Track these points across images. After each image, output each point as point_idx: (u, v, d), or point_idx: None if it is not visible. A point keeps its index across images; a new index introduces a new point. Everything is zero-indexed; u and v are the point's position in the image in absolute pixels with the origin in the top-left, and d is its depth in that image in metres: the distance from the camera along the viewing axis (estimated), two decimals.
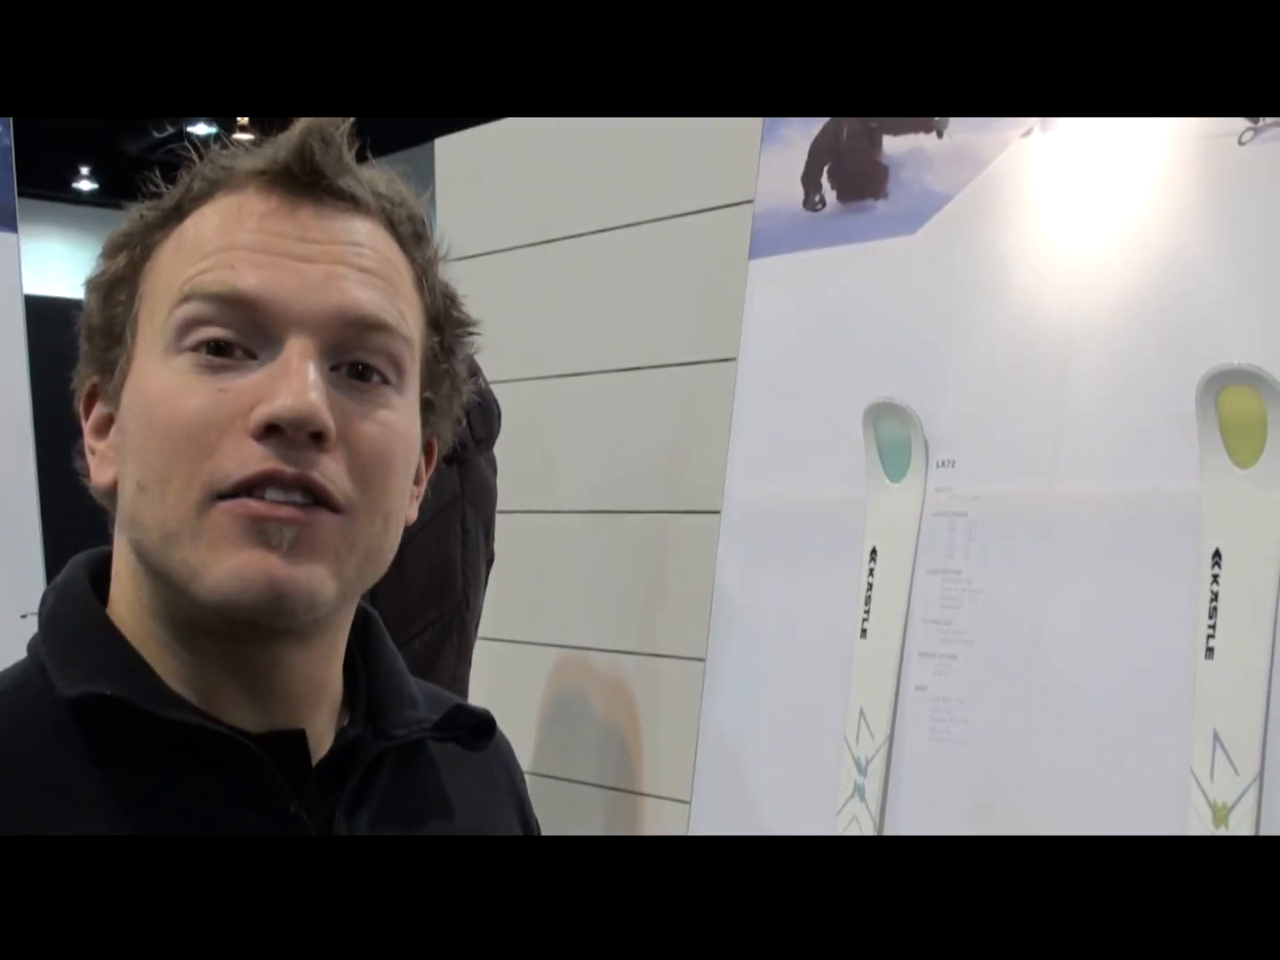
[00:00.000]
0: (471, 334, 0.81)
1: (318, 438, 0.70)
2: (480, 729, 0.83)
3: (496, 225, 2.09)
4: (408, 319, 0.76)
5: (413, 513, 0.79)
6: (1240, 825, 1.18)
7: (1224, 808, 1.20)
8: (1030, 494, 1.40)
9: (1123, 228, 1.38)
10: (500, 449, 1.77)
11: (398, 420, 0.74)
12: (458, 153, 2.19)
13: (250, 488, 0.70)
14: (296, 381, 0.70)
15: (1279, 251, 1.27)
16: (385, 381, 0.74)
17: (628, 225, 1.94)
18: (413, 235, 0.78)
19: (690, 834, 1.63)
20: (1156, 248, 1.35)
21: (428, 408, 0.79)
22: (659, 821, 1.74)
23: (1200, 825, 1.20)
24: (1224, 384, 1.26)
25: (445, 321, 0.79)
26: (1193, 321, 1.32)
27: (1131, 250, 1.37)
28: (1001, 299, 1.46)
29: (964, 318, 1.49)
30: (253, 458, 0.70)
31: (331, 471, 0.71)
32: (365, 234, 0.75)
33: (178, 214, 0.75)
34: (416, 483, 0.80)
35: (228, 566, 0.70)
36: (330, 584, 0.71)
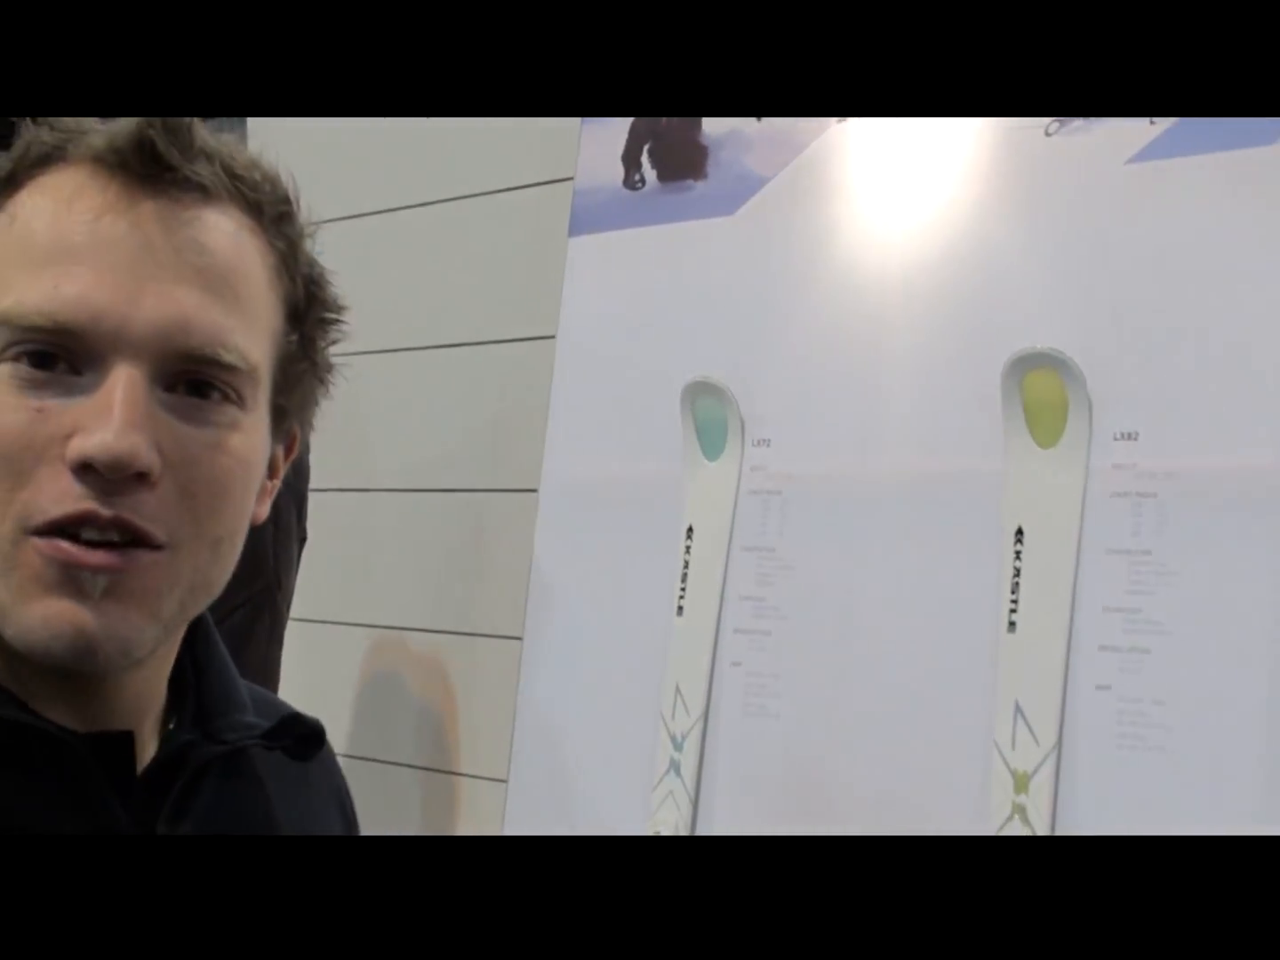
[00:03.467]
0: (338, 319, 0.77)
1: (140, 476, 0.66)
2: (310, 739, 0.80)
3: (310, 198, 2.05)
4: (254, 330, 0.71)
5: (264, 510, 0.76)
6: (1039, 793, 1.23)
7: (1024, 775, 1.24)
8: (843, 473, 1.43)
9: (933, 213, 1.42)
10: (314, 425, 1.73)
11: (239, 443, 0.70)
12: (273, 121, 2.14)
13: (64, 527, 0.66)
14: (118, 417, 0.66)
15: (1083, 239, 1.32)
16: (227, 399, 0.70)
17: (445, 200, 1.91)
18: (275, 218, 0.74)
19: (507, 812, 1.63)
20: (966, 233, 1.39)
21: (280, 413, 0.75)
22: (475, 801, 1.73)
23: (1002, 793, 1.25)
24: (1028, 368, 1.30)
25: (308, 308, 0.75)
26: (999, 306, 1.35)
27: (942, 235, 1.41)
28: (817, 281, 1.48)
29: (780, 299, 1.51)
30: (69, 495, 0.66)
31: (151, 509, 0.67)
32: (213, 229, 0.70)
33: (13, 183, 0.70)
34: (272, 477, 0.77)
35: (37, 614, 0.66)
36: (146, 629, 0.69)
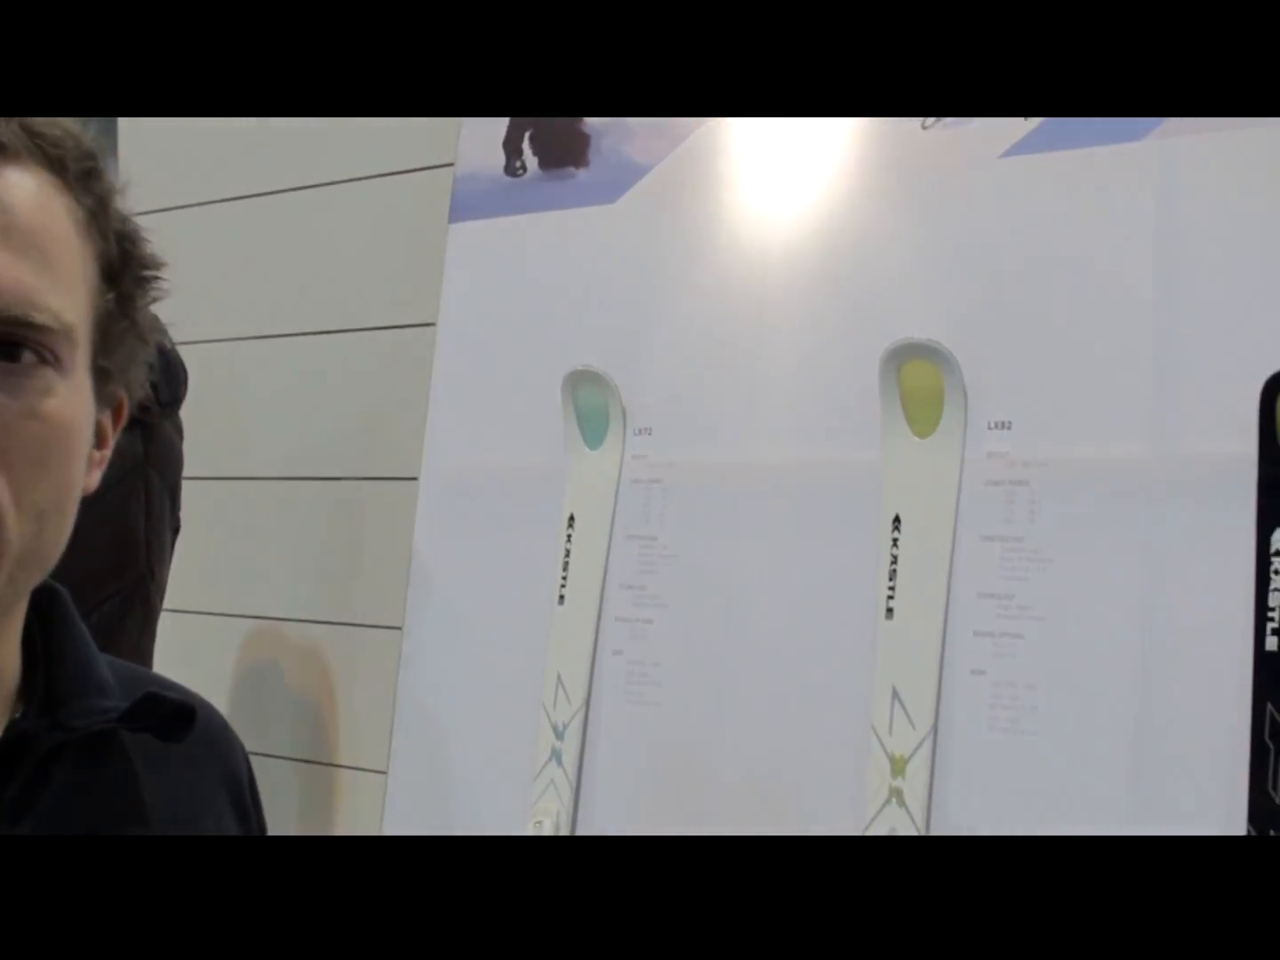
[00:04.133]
0: (156, 276, 0.74)
1: None
2: (176, 718, 0.76)
3: (186, 178, 2.01)
4: (66, 289, 0.68)
5: (94, 480, 0.73)
6: (915, 776, 1.25)
7: (901, 759, 1.26)
8: (724, 461, 1.44)
9: (812, 204, 1.43)
10: (187, 413, 1.70)
11: (56, 408, 0.67)
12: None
13: None
14: None
15: (959, 231, 1.34)
16: (43, 361, 0.67)
17: (325, 185, 1.89)
18: (81, 174, 0.70)
19: (386, 804, 1.61)
20: (844, 225, 1.41)
21: (103, 376, 0.72)
22: (354, 793, 1.72)
23: (879, 777, 1.26)
24: (905, 358, 1.32)
25: (123, 266, 0.72)
26: (877, 297, 1.37)
27: (820, 227, 1.42)
28: (698, 270, 1.49)
29: (662, 288, 1.51)
30: None
31: None
32: (14, 187, 0.67)
33: None
34: (101, 447, 0.74)
35: None
36: None
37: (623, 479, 1.51)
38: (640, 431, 1.50)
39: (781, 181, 1.45)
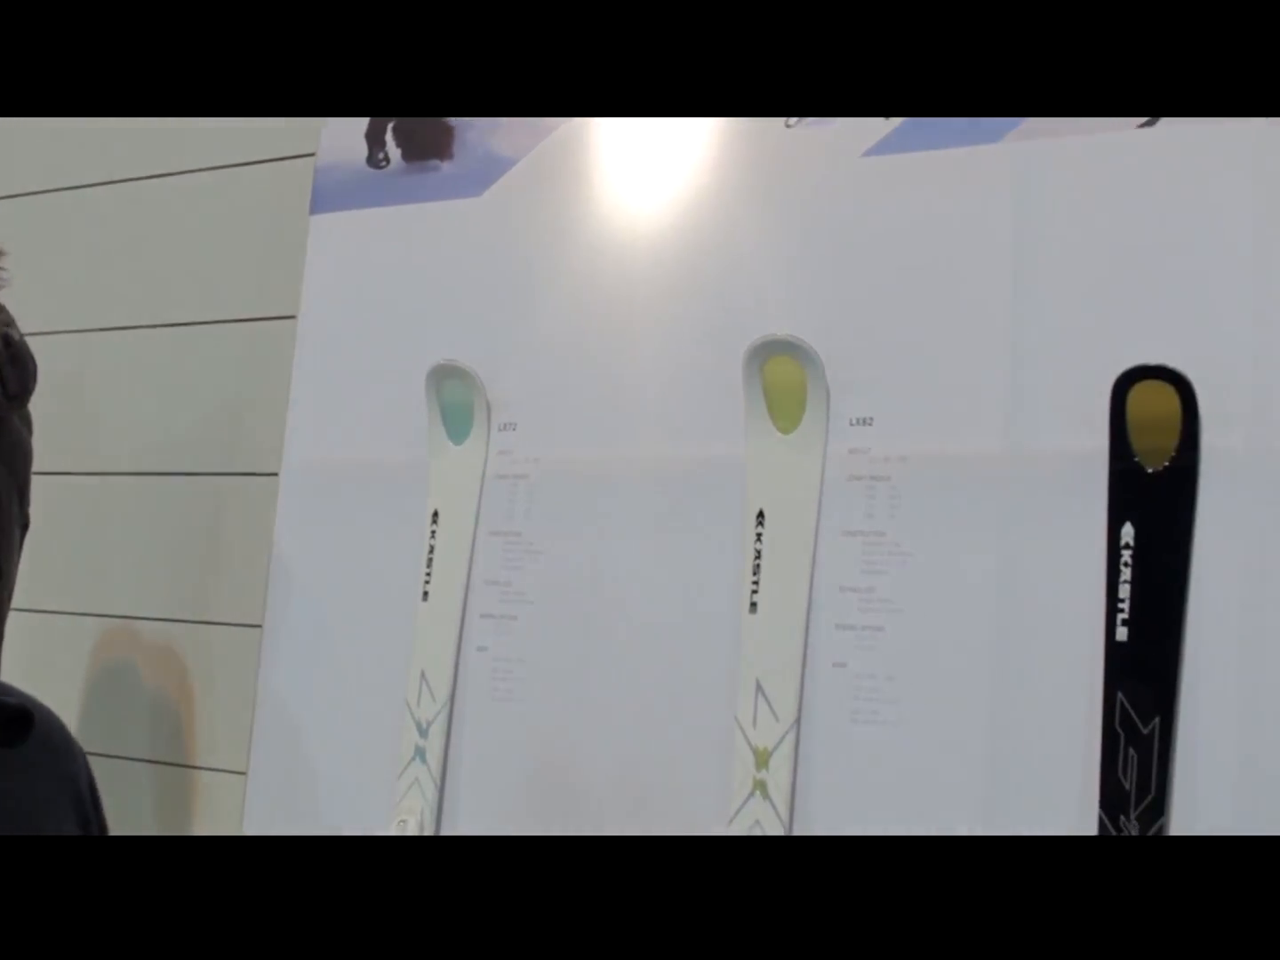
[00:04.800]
0: None
1: None
2: (11, 723, 0.74)
3: (34, 163, 1.95)
4: None
5: None
6: (779, 768, 1.26)
7: (765, 751, 1.27)
8: (588, 457, 1.44)
9: (677, 201, 1.44)
10: (38, 406, 1.65)
11: None
12: None
13: None
14: None
15: (822, 229, 1.35)
16: None
17: (181, 172, 1.85)
18: None
19: (246, 806, 1.58)
20: (709, 222, 1.41)
21: None
22: (213, 795, 1.68)
23: (744, 769, 1.27)
24: (768, 355, 1.33)
25: None
26: (742, 294, 1.38)
27: (685, 224, 1.43)
28: (564, 266, 1.49)
29: (527, 283, 1.51)
30: None
31: None
32: None
33: None
34: None
35: None
36: None
37: (487, 475, 1.50)
38: (505, 427, 1.50)
39: (647, 178, 1.46)
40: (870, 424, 1.30)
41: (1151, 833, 1.11)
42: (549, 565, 1.44)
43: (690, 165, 1.44)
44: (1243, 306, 1.16)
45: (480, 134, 1.56)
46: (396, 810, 1.45)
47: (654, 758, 1.34)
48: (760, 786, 1.27)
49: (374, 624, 1.53)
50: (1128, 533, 1.16)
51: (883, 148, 1.34)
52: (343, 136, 1.65)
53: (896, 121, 1.33)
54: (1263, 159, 1.17)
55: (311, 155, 1.69)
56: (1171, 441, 1.16)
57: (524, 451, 1.48)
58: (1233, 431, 1.14)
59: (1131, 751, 1.12)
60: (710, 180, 1.42)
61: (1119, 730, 1.13)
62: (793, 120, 1.38)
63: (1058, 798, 1.16)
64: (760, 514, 1.32)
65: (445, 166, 1.59)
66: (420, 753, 1.45)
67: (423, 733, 1.46)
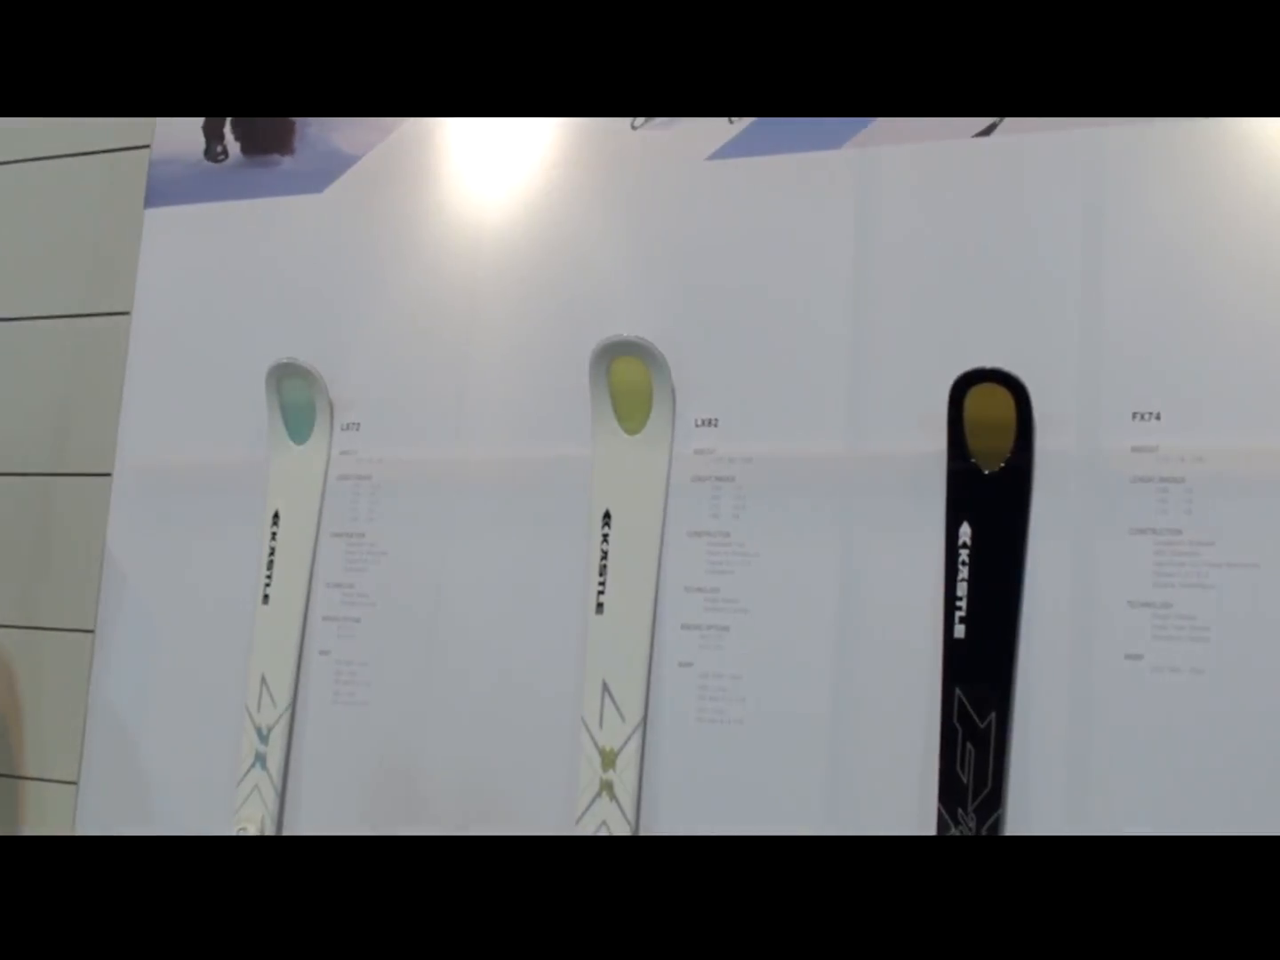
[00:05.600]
0: None
1: None
2: None
3: None
4: None
5: None
6: (626, 768, 1.26)
7: (611, 752, 1.28)
8: (434, 457, 1.43)
9: (524, 201, 1.43)
10: None
11: None
12: None
13: None
14: None
15: (667, 230, 1.36)
16: None
17: (9, 162, 1.78)
18: None
19: (78, 816, 1.54)
20: (555, 222, 1.41)
21: None
22: (42, 806, 1.63)
23: (590, 770, 1.27)
24: (614, 355, 1.33)
25: None
26: (589, 294, 1.38)
27: (532, 224, 1.42)
28: (408, 264, 1.47)
29: (371, 281, 1.49)
30: None
31: None
32: None
33: None
34: None
35: None
36: None
37: (329, 475, 1.47)
38: (348, 427, 1.48)
39: (493, 177, 1.45)
40: (715, 425, 1.31)
41: (988, 824, 1.13)
42: (393, 567, 1.43)
43: (536, 165, 1.43)
44: (1072, 311, 1.19)
45: (323, 129, 1.54)
46: (236, 818, 1.42)
47: (500, 760, 1.34)
48: (607, 787, 1.27)
49: (212, 628, 1.50)
50: (965, 532, 1.19)
51: (727, 151, 1.35)
52: (179, 129, 1.61)
53: (741, 126, 1.34)
54: (1091, 168, 1.21)
55: (146, 147, 1.64)
56: (1007, 443, 1.19)
57: (367, 452, 1.46)
58: (1064, 433, 1.18)
59: (969, 746, 1.15)
60: (556, 181, 1.42)
61: (957, 725, 1.16)
62: (639, 122, 1.39)
63: (898, 792, 1.18)
64: (606, 514, 1.33)
65: (286, 161, 1.56)
66: (260, 758, 1.43)
67: (263, 738, 1.43)
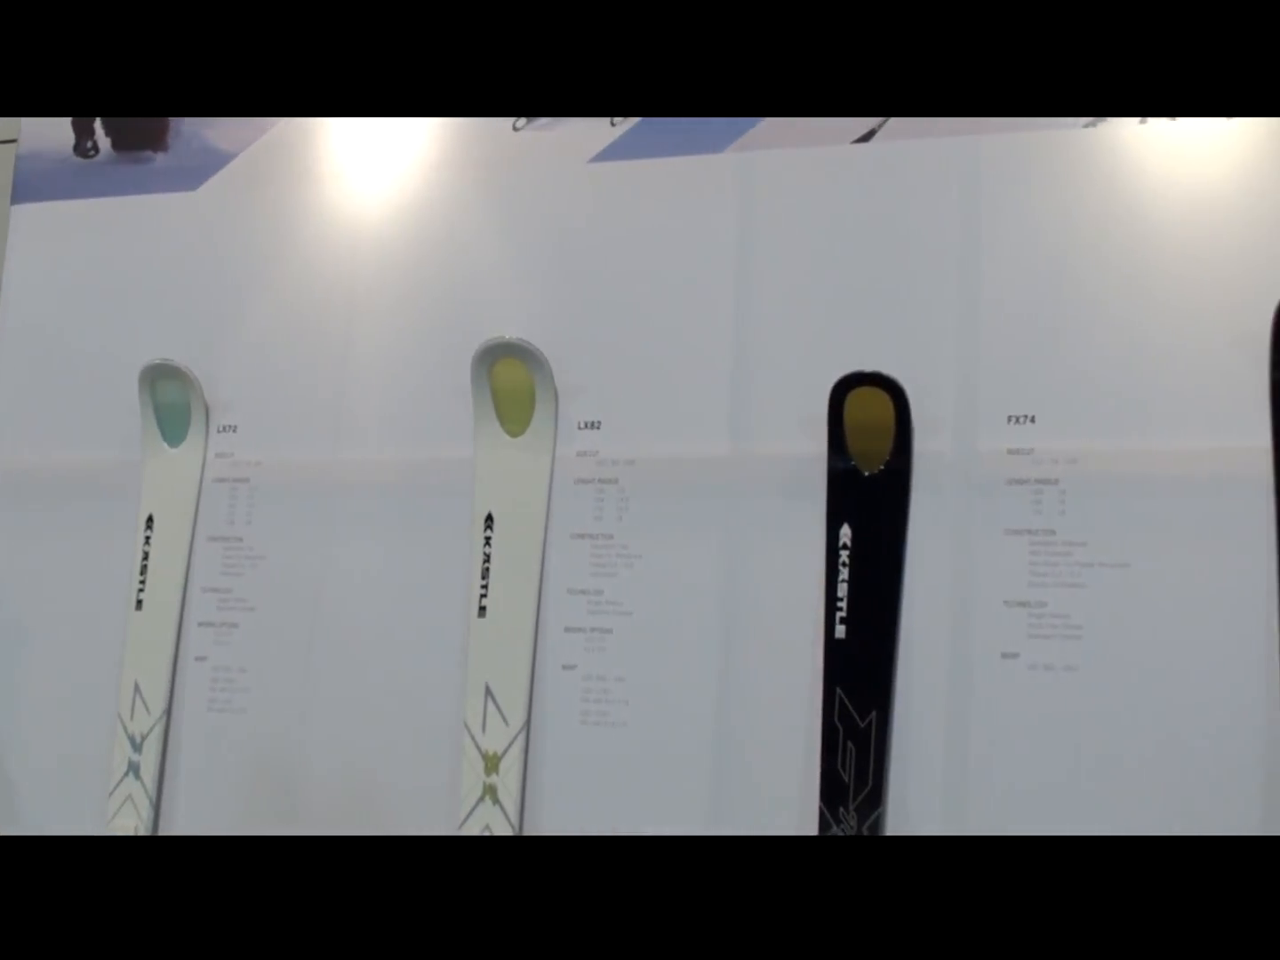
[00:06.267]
0: None
1: None
2: None
3: None
4: None
5: None
6: (509, 772, 1.26)
7: (495, 756, 1.27)
8: (313, 460, 1.41)
9: (404, 201, 1.42)
10: None
11: None
12: None
13: None
14: None
15: (550, 232, 1.36)
16: None
17: None
18: None
19: None
20: (436, 223, 1.40)
21: None
22: None
23: (473, 775, 1.27)
24: (496, 357, 1.33)
25: None
26: (470, 296, 1.37)
27: (412, 224, 1.41)
28: (285, 263, 1.45)
29: (247, 280, 1.46)
30: None
31: None
32: None
33: None
34: None
35: None
36: None
37: (205, 478, 1.45)
38: (224, 429, 1.45)
39: (372, 177, 1.43)
40: (598, 427, 1.31)
41: (869, 822, 1.15)
42: (271, 571, 1.40)
43: (416, 166, 1.42)
44: (950, 315, 1.21)
45: (196, 126, 1.51)
46: (109, 828, 1.38)
47: (382, 766, 1.32)
48: (490, 791, 1.26)
49: (81, 634, 1.46)
50: (845, 534, 1.20)
51: (609, 154, 1.35)
52: (47, 123, 1.57)
53: (623, 128, 1.34)
54: (967, 176, 1.23)
55: (13, 142, 1.60)
56: (886, 446, 1.20)
57: (245, 454, 1.44)
58: (941, 436, 1.20)
59: (850, 745, 1.16)
60: (436, 181, 1.41)
61: (838, 724, 1.17)
62: (520, 123, 1.38)
63: (781, 791, 1.19)
64: (489, 517, 1.32)
65: (159, 158, 1.53)
66: (133, 768, 1.39)
67: (135, 747, 1.40)
